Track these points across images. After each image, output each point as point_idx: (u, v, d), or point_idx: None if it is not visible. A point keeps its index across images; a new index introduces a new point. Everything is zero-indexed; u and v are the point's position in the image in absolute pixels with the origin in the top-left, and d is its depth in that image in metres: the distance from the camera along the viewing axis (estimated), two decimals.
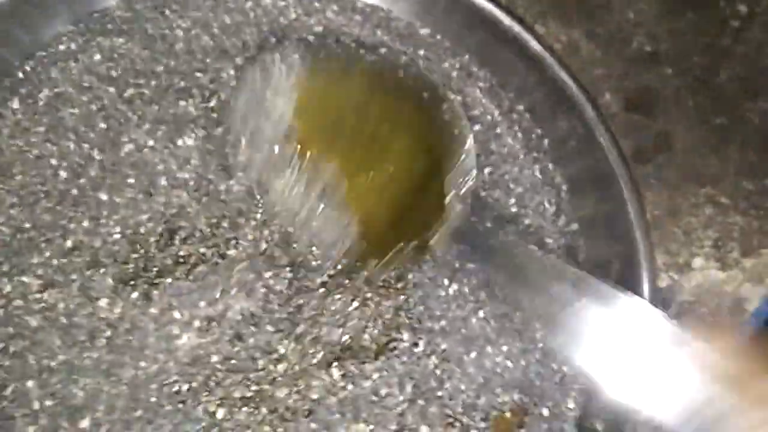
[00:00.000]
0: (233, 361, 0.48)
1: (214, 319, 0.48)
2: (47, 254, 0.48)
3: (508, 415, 0.48)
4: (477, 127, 0.58)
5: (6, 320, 0.47)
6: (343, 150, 0.50)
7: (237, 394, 0.47)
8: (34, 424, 0.45)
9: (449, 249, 0.50)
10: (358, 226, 0.48)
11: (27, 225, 0.49)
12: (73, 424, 0.45)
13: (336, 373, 0.48)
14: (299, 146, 0.48)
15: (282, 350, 0.48)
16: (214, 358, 0.47)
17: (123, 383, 0.46)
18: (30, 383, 0.46)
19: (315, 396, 0.47)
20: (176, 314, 0.48)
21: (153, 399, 0.46)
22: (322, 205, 0.48)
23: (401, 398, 0.48)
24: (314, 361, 0.48)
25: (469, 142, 0.50)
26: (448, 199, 0.48)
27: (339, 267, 0.50)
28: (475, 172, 0.49)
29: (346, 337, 0.49)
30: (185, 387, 0.47)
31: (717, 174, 0.64)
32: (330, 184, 0.48)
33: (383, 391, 0.48)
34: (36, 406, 0.46)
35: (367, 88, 0.53)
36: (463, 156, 0.49)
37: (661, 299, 0.58)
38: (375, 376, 0.48)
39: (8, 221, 0.49)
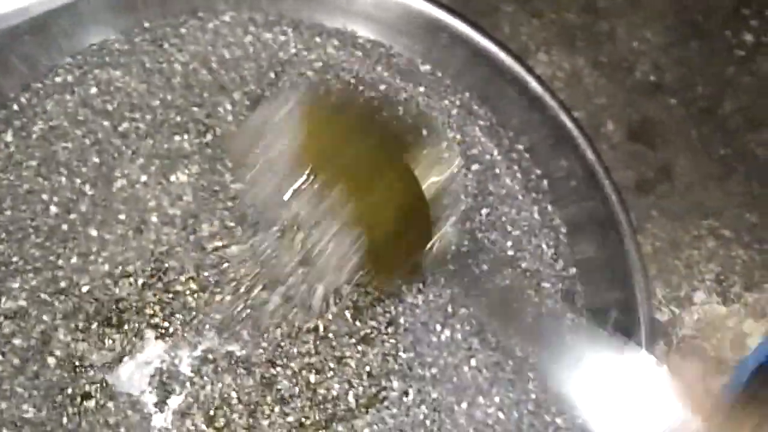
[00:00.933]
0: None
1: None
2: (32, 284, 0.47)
3: None
4: (475, 167, 0.57)
5: None
6: (347, 176, 0.49)
7: None
8: None
9: (443, 277, 0.49)
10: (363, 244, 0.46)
11: (14, 259, 0.48)
12: None
13: None
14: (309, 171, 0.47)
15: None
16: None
17: None
18: None
19: None
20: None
21: None
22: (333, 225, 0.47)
23: None
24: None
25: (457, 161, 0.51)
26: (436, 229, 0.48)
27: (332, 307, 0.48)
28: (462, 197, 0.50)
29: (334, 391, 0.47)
30: None
31: (720, 206, 0.62)
32: (338, 206, 0.47)
33: None
34: None
35: (366, 123, 0.52)
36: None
37: (661, 332, 0.56)
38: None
39: None
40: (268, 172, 0.47)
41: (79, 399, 0.45)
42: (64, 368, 0.45)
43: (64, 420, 0.44)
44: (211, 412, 0.46)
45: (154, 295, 0.48)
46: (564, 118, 0.55)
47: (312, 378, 0.47)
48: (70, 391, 0.45)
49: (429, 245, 0.48)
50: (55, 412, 0.44)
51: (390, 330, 0.49)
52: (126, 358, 0.47)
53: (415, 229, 0.49)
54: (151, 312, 0.48)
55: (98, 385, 0.46)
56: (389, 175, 0.49)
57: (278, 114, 0.48)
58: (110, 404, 0.45)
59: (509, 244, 0.54)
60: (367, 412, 0.46)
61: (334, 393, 0.47)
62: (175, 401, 0.46)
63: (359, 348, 0.48)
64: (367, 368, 0.48)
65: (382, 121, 0.54)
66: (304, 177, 0.46)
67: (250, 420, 0.46)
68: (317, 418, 0.46)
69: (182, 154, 0.53)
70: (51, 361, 0.45)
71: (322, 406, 0.47)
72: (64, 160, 0.51)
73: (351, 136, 0.50)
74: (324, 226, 0.46)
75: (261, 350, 0.48)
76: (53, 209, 0.50)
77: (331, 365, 0.47)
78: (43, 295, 0.47)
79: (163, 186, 0.52)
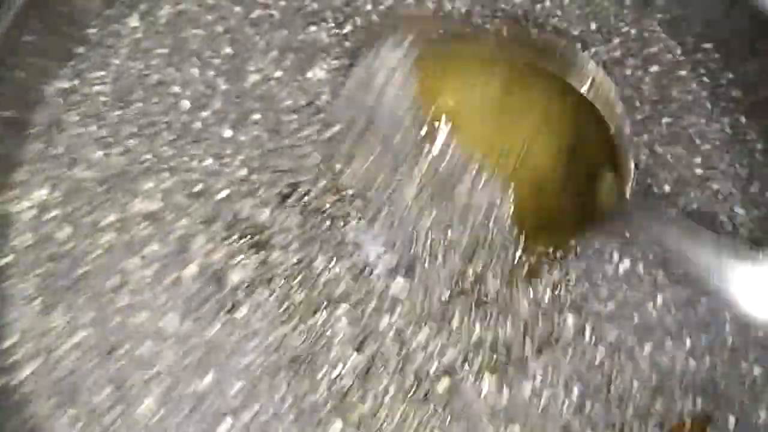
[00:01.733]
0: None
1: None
2: (165, 185, 0.42)
3: (687, 423, 0.39)
4: (654, 68, 0.47)
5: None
6: (482, 127, 0.43)
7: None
8: None
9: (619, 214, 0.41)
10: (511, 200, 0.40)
11: (147, 156, 0.43)
12: None
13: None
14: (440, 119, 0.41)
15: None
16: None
17: None
18: None
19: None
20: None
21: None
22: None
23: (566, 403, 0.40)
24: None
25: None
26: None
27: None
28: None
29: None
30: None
31: None
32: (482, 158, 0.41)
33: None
34: None
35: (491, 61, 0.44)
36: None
37: None
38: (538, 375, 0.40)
39: (126, 152, 0.43)
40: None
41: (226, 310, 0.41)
42: (205, 277, 0.41)
43: (213, 333, 0.40)
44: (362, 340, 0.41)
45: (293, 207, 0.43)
46: (765, 7, 0.45)
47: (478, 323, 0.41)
48: (214, 302, 0.40)
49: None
50: (198, 324, 0.40)
51: (558, 255, 0.42)
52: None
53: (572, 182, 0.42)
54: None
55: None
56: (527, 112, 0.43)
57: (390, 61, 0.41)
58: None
59: (697, 160, 0.45)
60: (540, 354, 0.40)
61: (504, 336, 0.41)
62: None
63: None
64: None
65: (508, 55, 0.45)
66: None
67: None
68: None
69: (319, 47, 0.46)
70: (191, 269, 0.41)
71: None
72: (196, 48, 0.45)
73: (474, 79, 0.43)
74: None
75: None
76: (185, 104, 0.44)
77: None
78: (179, 198, 0.42)
79: (299, 83, 0.45)
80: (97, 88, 0.45)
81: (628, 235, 0.43)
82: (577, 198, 0.43)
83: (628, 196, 0.42)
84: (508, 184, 0.41)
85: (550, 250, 0.42)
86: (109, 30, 0.46)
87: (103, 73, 0.45)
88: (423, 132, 0.41)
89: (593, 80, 0.43)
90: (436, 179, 0.41)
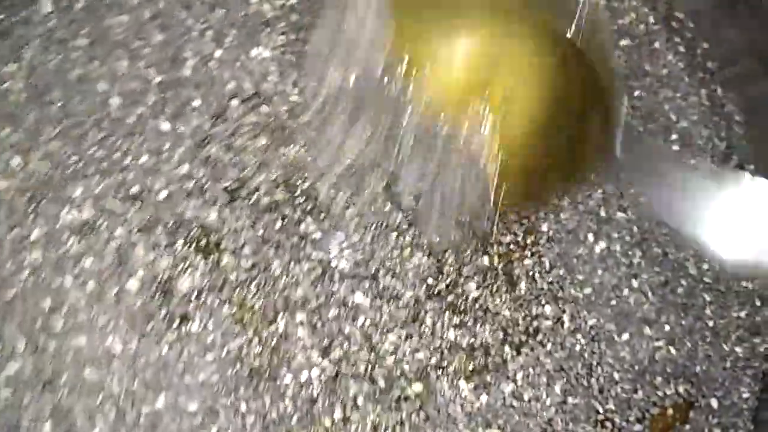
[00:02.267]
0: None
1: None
2: (96, 190, 0.40)
3: (669, 411, 0.40)
4: (625, 42, 0.47)
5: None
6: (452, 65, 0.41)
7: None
8: None
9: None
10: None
11: (73, 159, 0.40)
12: None
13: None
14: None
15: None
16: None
17: None
18: None
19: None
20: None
21: None
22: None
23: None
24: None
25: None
26: None
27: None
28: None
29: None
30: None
31: None
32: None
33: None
34: None
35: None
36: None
37: None
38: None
39: (47, 156, 0.40)
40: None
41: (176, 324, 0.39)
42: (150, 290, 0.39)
43: (163, 350, 0.38)
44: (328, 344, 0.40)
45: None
46: None
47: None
48: (162, 317, 0.38)
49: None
50: (146, 342, 0.38)
51: (529, 241, 0.42)
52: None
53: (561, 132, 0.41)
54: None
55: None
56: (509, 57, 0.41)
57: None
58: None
59: (673, 136, 0.45)
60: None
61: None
62: None
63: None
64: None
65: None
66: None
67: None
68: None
69: (262, 22, 0.44)
70: (133, 284, 0.38)
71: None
72: (121, 38, 0.43)
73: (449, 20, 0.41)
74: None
75: None
76: (114, 101, 0.42)
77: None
78: (113, 203, 0.40)
79: (242, 63, 0.43)
80: (6, 84, 0.41)
81: (604, 213, 0.43)
82: (567, 145, 0.41)
83: (618, 139, 0.40)
84: (492, 138, 0.39)
85: (521, 236, 0.41)
86: (19, 17, 0.43)
87: (14, 67, 0.42)
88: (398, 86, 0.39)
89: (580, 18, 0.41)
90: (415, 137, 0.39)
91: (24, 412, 0.36)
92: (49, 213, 0.39)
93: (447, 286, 0.40)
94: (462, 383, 0.39)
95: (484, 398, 0.39)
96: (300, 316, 0.39)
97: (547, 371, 0.40)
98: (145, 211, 0.40)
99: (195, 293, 0.39)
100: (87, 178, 0.40)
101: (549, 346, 0.40)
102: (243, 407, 0.38)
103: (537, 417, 0.39)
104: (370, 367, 0.39)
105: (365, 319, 0.39)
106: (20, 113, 0.41)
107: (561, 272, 0.41)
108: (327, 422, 0.38)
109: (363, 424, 0.38)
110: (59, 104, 0.41)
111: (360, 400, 0.38)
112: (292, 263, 0.40)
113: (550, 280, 0.41)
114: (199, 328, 0.38)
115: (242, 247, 0.40)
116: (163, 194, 0.40)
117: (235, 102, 0.43)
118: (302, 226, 0.41)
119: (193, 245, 0.40)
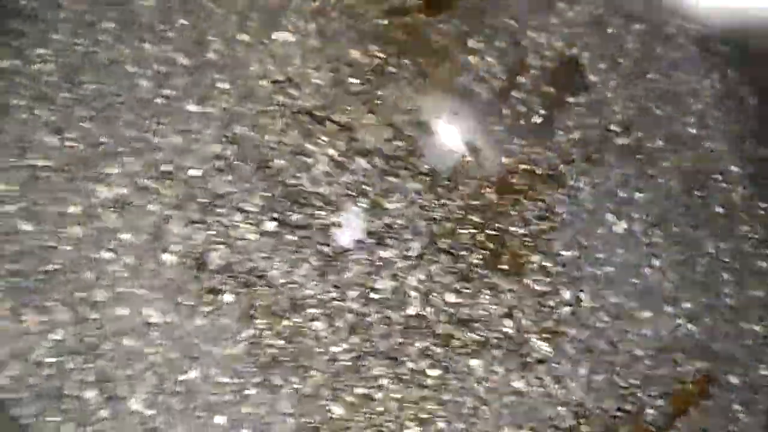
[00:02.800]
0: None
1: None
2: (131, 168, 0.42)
3: (690, 387, 0.42)
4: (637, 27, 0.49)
5: None
6: None
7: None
8: None
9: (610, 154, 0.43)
10: None
11: (103, 139, 0.43)
12: None
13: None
14: None
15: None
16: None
17: None
18: None
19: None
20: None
21: None
22: None
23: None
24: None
25: None
26: None
27: None
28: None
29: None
30: None
31: None
32: None
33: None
34: None
35: None
36: None
37: None
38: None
39: (82, 136, 0.42)
40: None
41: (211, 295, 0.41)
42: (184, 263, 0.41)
43: (198, 321, 0.40)
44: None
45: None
46: None
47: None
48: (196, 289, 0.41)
49: None
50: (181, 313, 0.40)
51: (543, 225, 0.44)
52: None
53: None
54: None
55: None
56: None
57: None
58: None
59: (689, 119, 0.48)
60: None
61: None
62: None
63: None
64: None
65: None
66: None
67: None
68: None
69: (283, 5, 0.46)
70: (167, 258, 0.41)
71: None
72: (146, 21, 0.45)
73: None
74: None
75: None
76: (142, 83, 0.44)
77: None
78: (145, 181, 0.42)
79: (266, 46, 0.45)
80: (38, 66, 0.44)
81: (623, 194, 0.45)
82: None
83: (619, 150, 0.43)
84: None
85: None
86: (47, 1, 0.45)
87: (45, 50, 0.44)
88: None
89: None
90: None
91: (67, 380, 0.38)
92: (86, 190, 0.41)
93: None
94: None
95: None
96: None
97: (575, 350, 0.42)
98: (177, 188, 0.42)
99: (226, 267, 0.41)
100: (120, 156, 0.42)
101: (574, 328, 0.42)
102: (276, 381, 0.40)
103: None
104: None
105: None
106: (53, 94, 0.43)
107: (575, 253, 0.44)
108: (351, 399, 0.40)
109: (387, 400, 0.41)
110: (90, 86, 0.44)
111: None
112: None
113: (568, 260, 0.44)
114: (232, 301, 0.41)
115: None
116: (194, 172, 0.43)
117: (262, 83, 0.45)
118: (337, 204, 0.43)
119: (223, 220, 0.42)
